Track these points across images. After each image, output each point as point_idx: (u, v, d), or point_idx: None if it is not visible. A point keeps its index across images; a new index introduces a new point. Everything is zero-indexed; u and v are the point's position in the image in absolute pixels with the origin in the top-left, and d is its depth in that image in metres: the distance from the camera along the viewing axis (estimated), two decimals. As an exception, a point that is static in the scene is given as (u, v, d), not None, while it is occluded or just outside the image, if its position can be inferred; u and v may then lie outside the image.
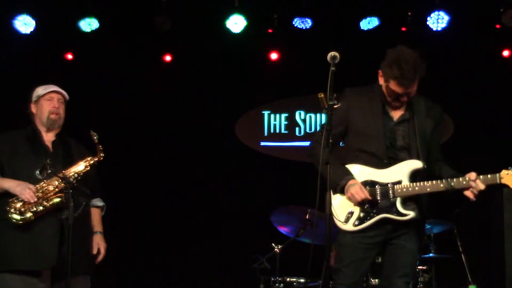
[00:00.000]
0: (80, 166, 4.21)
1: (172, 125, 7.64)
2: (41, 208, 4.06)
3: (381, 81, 3.96)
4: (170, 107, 7.67)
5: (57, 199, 4.09)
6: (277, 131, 7.99)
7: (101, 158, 4.28)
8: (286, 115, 8.00)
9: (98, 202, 4.58)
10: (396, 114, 3.99)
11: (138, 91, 7.58)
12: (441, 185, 3.81)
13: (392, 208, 3.86)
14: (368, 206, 3.89)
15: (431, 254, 5.92)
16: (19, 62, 7.20)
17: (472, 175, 3.80)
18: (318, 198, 3.58)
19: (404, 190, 3.84)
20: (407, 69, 3.78)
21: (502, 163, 3.87)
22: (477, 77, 7.41)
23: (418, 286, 5.71)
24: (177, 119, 7.65)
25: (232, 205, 7.42)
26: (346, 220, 3.91)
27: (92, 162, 4.25)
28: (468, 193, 3.83)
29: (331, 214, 3.55)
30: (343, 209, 3.92)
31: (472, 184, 3.78)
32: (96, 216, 4.53)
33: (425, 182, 3.83)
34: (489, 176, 3.80)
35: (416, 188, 3.83)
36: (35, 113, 4.35)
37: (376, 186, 3.89)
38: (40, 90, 4.36)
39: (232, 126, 7.86)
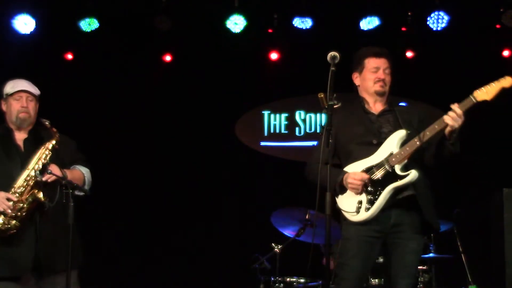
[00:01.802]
0: (40, 154, 4.07)
1: (172, 125, 7.64)
2: (20, 213, 3.99)
3: (358, 81, 4.17)
4: (170, 107, 7.66)
5: (31, 198, 4.01)
6: (277, 131, 7.99)
7: (58, 139, 4.13)
8: (286, 115, 8.00)
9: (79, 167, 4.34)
10: (376, 109, 4.12)
11: (138, 91, 7.58)
12: (427, 132, 3.86)
13: (393, 177, 3.89)
14: (372, 189, 3.91)
15: (431, 254, 5.92)
16: (19, 62, 7.19)
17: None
18: (318, 199, 3.60)
19: (398, 156, 3.90)
20: (374, 47, 4.14)
21: (502, 163, 3.89)
22: (477, 77, 7.38)
23: (418, 286, 5.71)
24: (177, 119, 7.65)
25: (232, 205, 7.42)
26: (358, 210, 3.93)
27: (51, 146, 4.11)
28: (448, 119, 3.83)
29: (330, 214, 3.54)
30: (351, 203, 3.94)
31: (451, 114, 3.83)
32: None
33: (413, 139, 3.89)
34: (465, 101, 3.94)
35: (407, 148, 3.89)
36: (5, 111, 4.25)
37: (373, 168, 3.94)
38: (8, 88, 4.22)
39: (232, 126, 7.86)
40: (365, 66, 4.10)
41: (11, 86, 4.22)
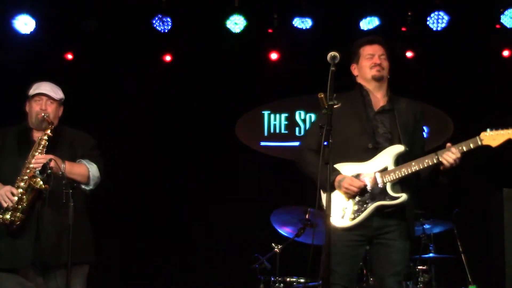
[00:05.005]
0: (36, 145, 4.17)
1: (172, 125, 7.63)
2: (21, 204, 4.06)
3: (356, 71, 4.20)
4: (170, 107, 7.66)
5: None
6: (277, 131, 7.98)
7: (52, 128, 4.21)
8: (286, 115, 8.00)
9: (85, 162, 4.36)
10: (376, 105, 4.10)
11: (138, 91, 7.58)
12: (426, 160, 3.88)
13: (384, 195, 3.91)
14: (360, 198, 3.93)
15: (431, 254, 5.92)
16: (19, 62, 7.19)
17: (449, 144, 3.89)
18: (318, 198, 3.61)
19: (392, 174, 3.90)
20: (371, 36, 4.32)
21: (502, 163, 3.89)
22: (477, 77, 7.42)
23: (418, 286, 5.71)
24: (177, 119, 7.64)
25: (232, 205, 7.42)
26: (342, 216, 3.94)
27: (46, 137, 4.19)
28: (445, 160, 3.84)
29: (328, 213, 3.54)
30: (336, 206, 3.94)
31: (453, 150, 3.83)
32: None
33: (410, 162, 3.89)
34: (470, 140, 3.86)
35: (403, 169, 3.89)
36: (28, 112, 4.39)
37: (366, 177, 3.93)
38: (31, 90, 4.38)
39: (232, 126, 7.86)
40: (360, 55, 4.16)
41: (34, 89, 4.37)
